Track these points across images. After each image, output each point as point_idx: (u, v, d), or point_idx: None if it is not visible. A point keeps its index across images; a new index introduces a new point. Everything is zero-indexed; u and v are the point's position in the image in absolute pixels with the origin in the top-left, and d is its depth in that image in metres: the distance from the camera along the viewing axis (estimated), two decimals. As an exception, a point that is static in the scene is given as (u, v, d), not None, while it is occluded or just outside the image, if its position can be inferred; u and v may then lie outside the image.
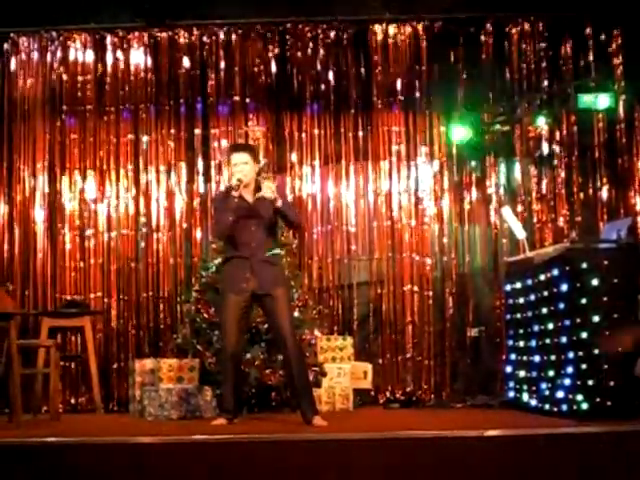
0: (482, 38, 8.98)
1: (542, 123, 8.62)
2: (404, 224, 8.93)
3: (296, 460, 4.92)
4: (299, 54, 9.02)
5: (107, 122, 8.97)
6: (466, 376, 8.67)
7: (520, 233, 7.87)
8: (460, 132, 8.77)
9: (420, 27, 9.01)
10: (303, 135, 8.99)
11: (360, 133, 9.01)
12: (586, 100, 8.12)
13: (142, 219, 8.87)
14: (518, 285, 7.45)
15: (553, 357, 6.58)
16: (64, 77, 9.00)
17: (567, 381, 6.31)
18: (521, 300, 7.36)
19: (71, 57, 8.99)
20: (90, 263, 8.82)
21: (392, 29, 9.03)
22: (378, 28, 9.02)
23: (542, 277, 6.83)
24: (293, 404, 6.75)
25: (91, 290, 8.78)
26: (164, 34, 9.00)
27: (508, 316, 7.75)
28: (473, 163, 9.01)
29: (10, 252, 8.84)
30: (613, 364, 6.16)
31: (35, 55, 8.99)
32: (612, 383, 6.14)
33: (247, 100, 8.99)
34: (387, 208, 8.96)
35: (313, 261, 8.92)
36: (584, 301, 6.25)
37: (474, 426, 5.82)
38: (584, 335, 6.20)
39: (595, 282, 6.24)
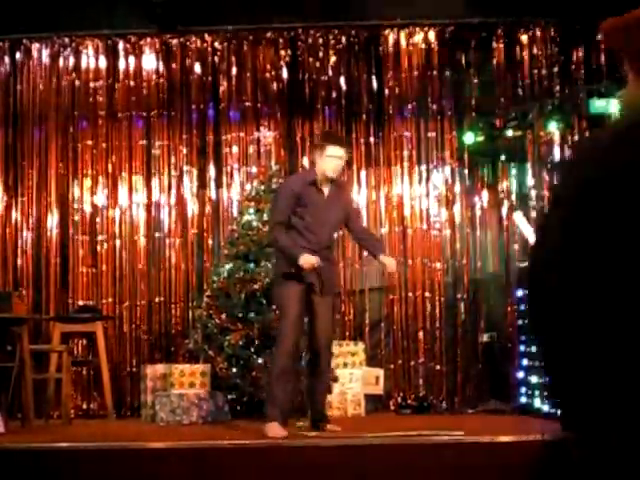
0: (494, 43, 8.98)
1: (554, 128, 8.58)
2: (415, 229, 8.93)
3: (311, 465, 4.92)
4: (310, 60, 9.03)
5: (119, 128, 8.99)
6: (478, 382, 8.65)
7: (532, 238, 7.86)
8: (472, 137, 8.76)
9: (432, 32, 9.02)
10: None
11: (371, 139, 9.01)
12: (598, 105, 8.09)
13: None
14: (530, 290, 7.41)
15: (565, 363, 6.54)
16: (76, 83, 9.03)
17: (580, 387, 6.27)
18: (533, 306, 7.33)
19: (83, 63, 9.01)
20: (102, 269, 8.84)
21: (404, 35, 9.04)
22: (390, 34, 9.03)
23: (554, 282, 6.79)
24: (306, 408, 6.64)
25: (103, 295, 8.79)
26: (176, 40, 9.02)
27: (520, 321, 7.72)
28: (485, 168, 9.01)
29: (22, 258, 8.87)
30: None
31: (47, 61, 9.03)
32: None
33: (259, 106, 9.00)
34: (398, 214, 8.95)
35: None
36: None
37: (486, 432, 5.80)
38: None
39: (608, 287, 6.21)
